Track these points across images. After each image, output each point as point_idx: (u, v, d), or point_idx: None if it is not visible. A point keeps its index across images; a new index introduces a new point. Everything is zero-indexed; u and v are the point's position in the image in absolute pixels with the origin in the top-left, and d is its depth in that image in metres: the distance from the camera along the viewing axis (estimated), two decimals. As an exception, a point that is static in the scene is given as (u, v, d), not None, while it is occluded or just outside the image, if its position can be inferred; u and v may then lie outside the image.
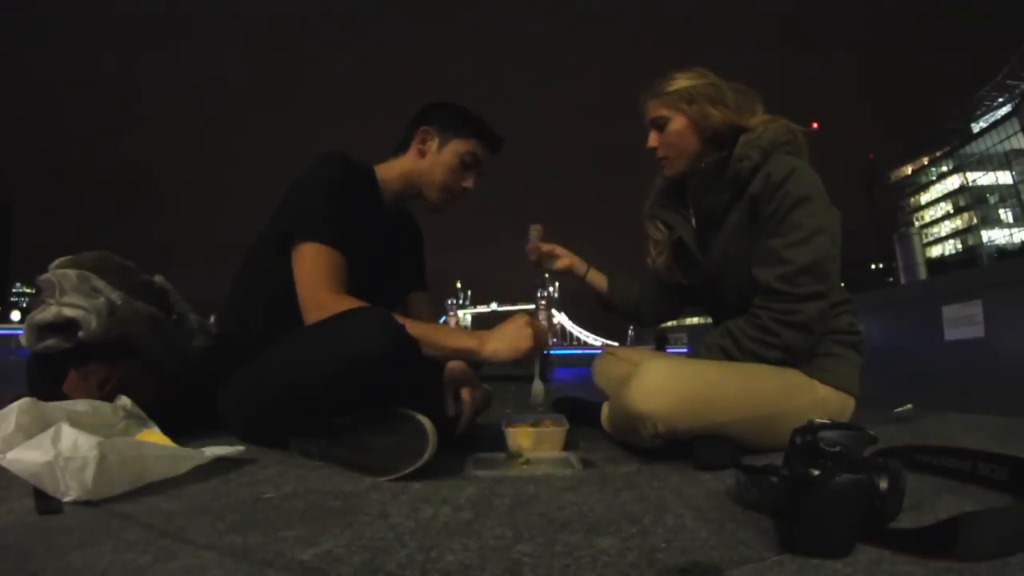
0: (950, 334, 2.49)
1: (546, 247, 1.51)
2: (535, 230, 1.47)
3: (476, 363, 1.26)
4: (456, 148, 1.36)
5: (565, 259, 1.53)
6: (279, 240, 1.22)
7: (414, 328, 1.08)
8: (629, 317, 1.60)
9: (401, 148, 1.41)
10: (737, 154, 1.21)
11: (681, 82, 1.26)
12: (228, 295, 1.38)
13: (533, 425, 1.24)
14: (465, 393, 1.22)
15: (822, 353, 1.20)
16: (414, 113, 1.42)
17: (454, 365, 1.25)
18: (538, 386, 1.21)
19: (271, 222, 1.29)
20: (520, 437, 1.18)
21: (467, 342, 1.15)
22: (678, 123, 1.27)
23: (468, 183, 1.40)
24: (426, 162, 1.37)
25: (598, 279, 1.58)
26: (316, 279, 1.16)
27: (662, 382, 1.08)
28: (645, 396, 1.07)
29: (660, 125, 1.29)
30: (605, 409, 1.39)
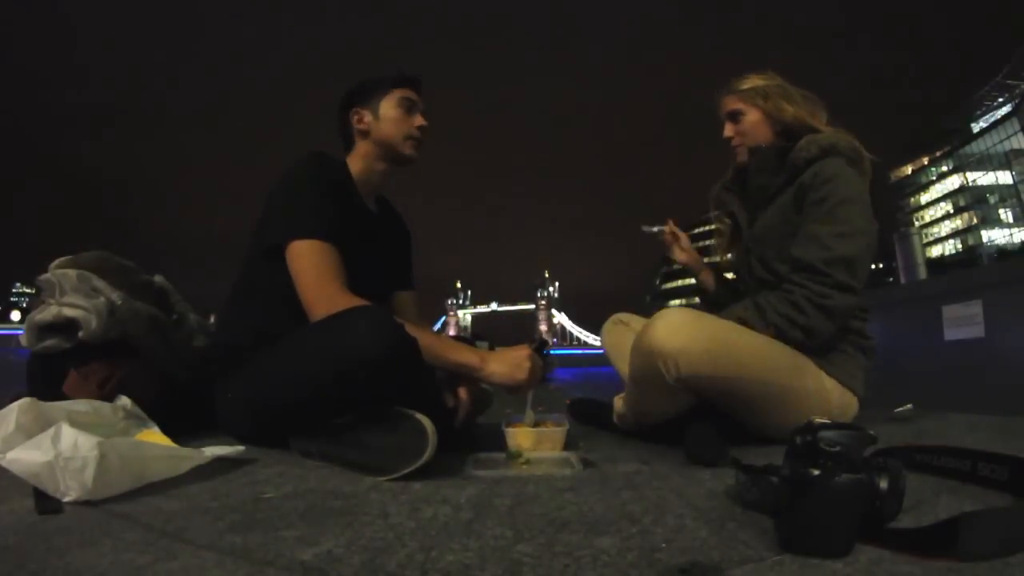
0: (950, 334, 2.49)
1: (676, 234, 1.64)
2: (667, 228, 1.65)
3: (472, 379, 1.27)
4: (388, 103, 1.38)
5: (685, 255, 1.64)
6: (269, 249, 1.21)
7: (420, 337, 1.10)
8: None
9: (348, 144, 1.42)
10: (799, 146, 1.31)
11: (755, 81, 1.39)
12: (228, 298, 1.37)
13: (533, 425, 1.24)
14: (462, 390, 1.23)
15: (833, 349, 1.23)
16: (335, 112, 1.44)
17: None
18: (529, 417, 1.24)
19: (258, 229, 1.28)
20: (520, 437, 1.18)
21: (469, 358, 1.18)
22: (753, 115, 1.39)
23: (420, 121, 1.41)
24: (374, 133, 1.38)
25: (708, 279, 1.67)
26: (319, 275, 1.16)
27: (687, 321, 1.12)
28: (669, 333, 1.10)
29: (736, 117, 1.41)
30: (618, 403, 1.39)
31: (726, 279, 1.66)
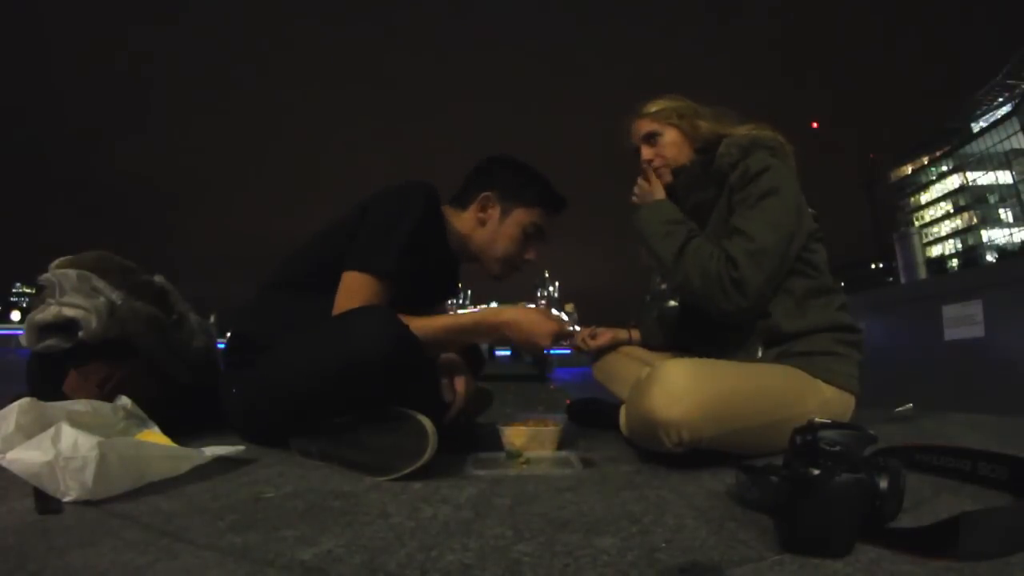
0: (950, 334, 2.49)
1: (586, 331, 1.58)
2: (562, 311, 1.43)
3: (478, 366, 1.26)
4: (519, 219, 1.30)
5: (607, 334, 1.58)
6: (342, 257, 1.19)
7: (430, 324, 1.12)
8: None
9: (460, 203, 1.34)
10: (720, 152, 1.29)
11: (665, 103, 1.39)
12: (260, 296, 1.32)
13: (528, 424, 1.24)
14: (458, 383, 1.23)
15: (825, 352, 1.20)
16: (477, 163, 1.36)
17: (446, 357, 1.27)
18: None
19: (341, 237, 1.23)
20: (513, 435, 1.19)
21: (482, 315, 1.19)
22: (671, 135, 1.37)
23: (531, 255, 1.34)
24: (487, 232, 1.31)
25: (636, 336, 1.63)
26: (356, 301, 1.13)
27: (687, 386, 1.02)
28: (669, 402, 1.00)
29: (652, 139, 1.38)
30: (623, 413, 1.36)
31: (647, 325, 1.61)
